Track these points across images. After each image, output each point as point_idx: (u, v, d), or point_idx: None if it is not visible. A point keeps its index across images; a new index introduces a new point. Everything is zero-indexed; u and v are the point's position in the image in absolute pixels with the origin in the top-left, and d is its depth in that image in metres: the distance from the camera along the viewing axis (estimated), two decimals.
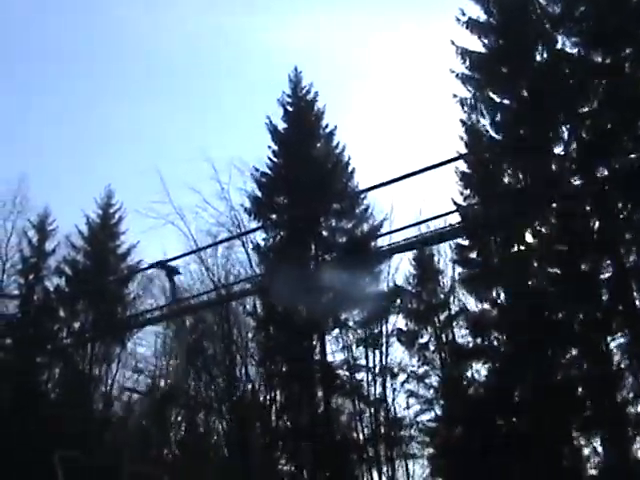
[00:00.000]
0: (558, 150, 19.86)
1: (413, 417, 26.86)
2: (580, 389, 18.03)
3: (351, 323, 25.26)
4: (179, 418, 32.95)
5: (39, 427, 26.25)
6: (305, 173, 24.13)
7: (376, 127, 49.37)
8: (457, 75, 21.18)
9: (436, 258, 30.60)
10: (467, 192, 23.74)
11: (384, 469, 25.20)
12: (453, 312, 28.95)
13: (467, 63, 20.90)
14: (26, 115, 53.01)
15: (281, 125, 26.80)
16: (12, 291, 32.63)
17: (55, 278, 31.55)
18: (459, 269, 24.98)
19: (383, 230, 24.70)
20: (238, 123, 51.05)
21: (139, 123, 53.21)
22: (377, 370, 25.51)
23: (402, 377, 27.12)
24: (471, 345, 21.68)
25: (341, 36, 51.13)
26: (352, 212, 24.85)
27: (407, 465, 26.92)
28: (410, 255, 29.58)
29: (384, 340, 26.15)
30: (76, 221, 32.48)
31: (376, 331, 26.56)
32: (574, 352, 18.19)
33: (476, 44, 21.41)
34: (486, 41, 21.27)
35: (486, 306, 22.03)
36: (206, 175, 26.60)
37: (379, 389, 26.41)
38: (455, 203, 23.54)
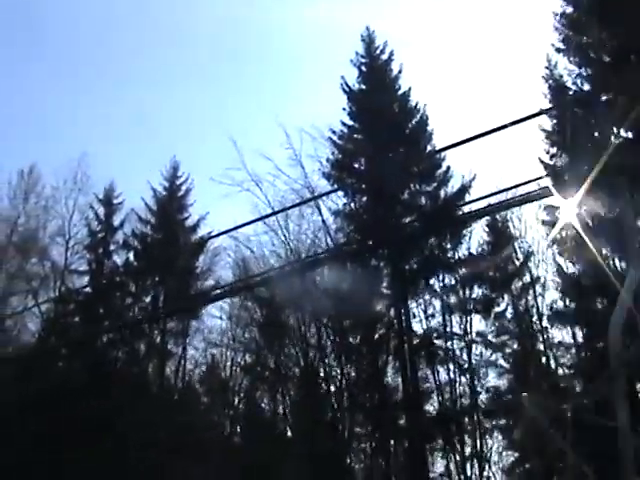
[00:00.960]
0: None
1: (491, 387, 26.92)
2: None
3: (437, 290, 25.15)
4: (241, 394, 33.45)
5: (113, 407, 26.59)
6: (383, 135, 23.85)
7: (446, 89, 48.34)
8: (556, 27, 20.71)
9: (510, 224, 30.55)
10: (554, 150, 23.38)
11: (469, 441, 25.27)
12: (534, 277, 28.83)
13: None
14: (89, 92, 53.39)
15: (356, 87, 26.61)
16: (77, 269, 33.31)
17: (123, 253, 31.89)
18: (546, 231, 24.78)
19: (464, 192, 24.32)
20: (305, 90, 50.59)
21: (205, 101, 53.17)
22: (468, 338, 25.39)
23: (482, 346, 27.17)
24: (565, 309, 21.39)
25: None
26: (433, 174, 24.58)
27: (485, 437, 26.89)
28: (484, 222, 29.43)
29: (469, 307, 26.08)
30: (141, 196, 32.75)
31: (455, 300, 26.52)
32: None
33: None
34: None
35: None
36: (276, 143, 26.75)
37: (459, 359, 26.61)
38: (542, 162, 23.21)
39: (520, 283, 29.24)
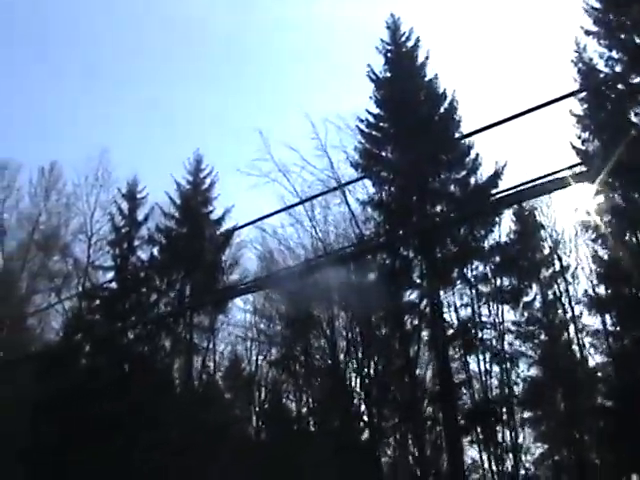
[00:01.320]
0: None
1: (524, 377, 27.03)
2: None
3: (469, 279, 25.22)
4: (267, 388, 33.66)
5: (132, 405, 26.62)
6: (411, 123, 23.90)
7: (472, 77, 48.42)
8: (586, 9, 20.84)
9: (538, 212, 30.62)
10: (585, 135, 23.52)
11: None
12: (563, 265, 28.89)
13: None
14: (108, 88, 53.89)
15: (383, 74, 26.60)
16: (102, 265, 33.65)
17: (147, 248, 31.94)
18: (578, 218, 24.90)
19: (497, 179, 24.36)
20: (326, 81, 50.88)
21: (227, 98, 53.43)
22: (500, 328, 25.51)
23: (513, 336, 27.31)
24: (599, 295, 21.41)
25: None
26: (462, 162, 24.67)
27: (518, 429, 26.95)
28: (511, 211, 29.47)
29: (499, 297, 26.18)
30: (164, 191, 32.80)
31: (487, 289, 26.63)
32: None
33: None
34: None
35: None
36: (299, 135, 26.84)
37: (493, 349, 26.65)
38: (574, 147, 23.36)
39: (549, 272, 29.40)
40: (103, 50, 54.13)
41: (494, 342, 25.79)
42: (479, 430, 24.59)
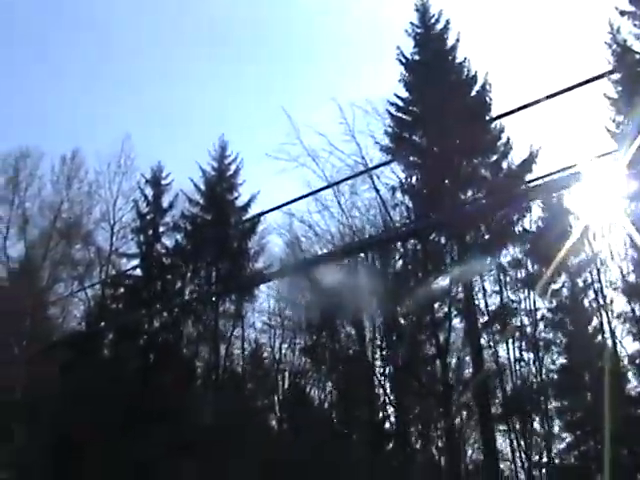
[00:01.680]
0: None
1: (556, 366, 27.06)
2: None
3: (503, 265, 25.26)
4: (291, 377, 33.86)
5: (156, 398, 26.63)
6: (441, 106, 23.79)
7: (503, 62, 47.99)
8: None
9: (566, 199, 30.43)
10: (620, 118, 23.46)
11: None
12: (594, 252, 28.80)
13: None
14: (130, 78, 53.86)
15: (412, 57, 26.38)
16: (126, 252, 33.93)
17: (172, 235, 32.32)
18: (613, 203, 24.73)
19: (531, 163, 24.32)
20: (351, 66, 50.72)
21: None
22: (532, 315, 25.54)
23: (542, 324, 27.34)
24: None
25: None
26: (493, 147, 24.62)
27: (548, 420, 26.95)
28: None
29: (529, 284, 26.23)
30: (189, 176, 32.98)
31: (519, 276, 26.68)
32: None
33: None
34: None
35: None
36: (325, 120, 26.63)
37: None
38: (608, 130, 23.32)
39: (578, 259, 29.29)
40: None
41: (527, 329, 25.79)
42: (512, 419, 24.61)
